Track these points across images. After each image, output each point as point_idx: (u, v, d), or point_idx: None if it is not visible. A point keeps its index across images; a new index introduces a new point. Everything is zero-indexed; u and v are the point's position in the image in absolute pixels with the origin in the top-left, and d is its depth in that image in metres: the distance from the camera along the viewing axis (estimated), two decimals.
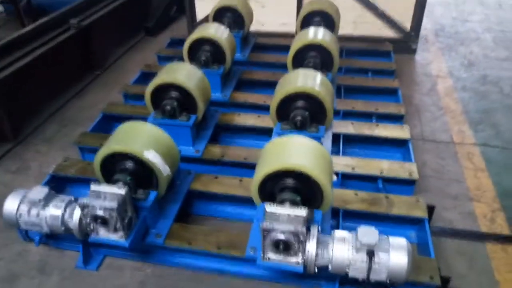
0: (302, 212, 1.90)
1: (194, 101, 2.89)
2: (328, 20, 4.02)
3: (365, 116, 3.42)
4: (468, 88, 4.17)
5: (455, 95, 4.06)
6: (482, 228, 2.66)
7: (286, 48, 4.52)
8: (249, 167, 2.91)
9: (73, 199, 2.19)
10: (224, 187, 2.66)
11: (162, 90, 2.90)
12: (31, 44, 3.75)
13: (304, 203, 2.07)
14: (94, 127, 3.36)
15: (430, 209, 2.52)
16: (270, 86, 3.91)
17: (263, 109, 3.55)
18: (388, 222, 2.56)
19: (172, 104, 2.83)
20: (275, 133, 2.80)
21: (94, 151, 3.10)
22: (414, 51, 4.82)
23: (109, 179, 2.29)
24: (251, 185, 2.16)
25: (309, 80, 2.73)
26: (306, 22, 4.07)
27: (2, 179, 3.21)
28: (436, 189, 2.96)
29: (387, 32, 4.80)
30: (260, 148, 3.12)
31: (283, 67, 4.15)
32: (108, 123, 3.54)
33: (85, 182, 2.87)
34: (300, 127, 2.70)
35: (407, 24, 4.71)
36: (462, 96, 4.03)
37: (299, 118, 2.67)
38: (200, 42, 3.53)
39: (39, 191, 2.14)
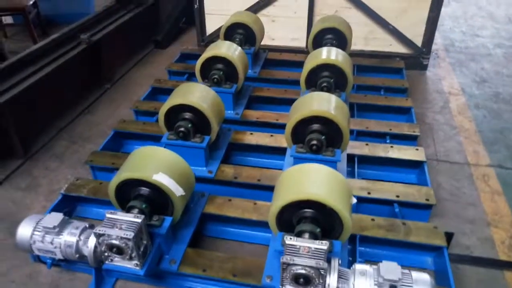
0: (323, 246, 1.86)
1: (208, 122, 2.86)
2: (340, 38, 4.01)
3: (379, 136, 3.39)
4: (481, 106, 4.13)
5: (468, 113, 4.02)
6: (500, 255, 2.62)
7: (297, 64, 4.58)
8: (263, 189, 2.90)
9: (87, 225, 2.16)
10: (238, 211, 2.63)
11: (175, 111, 2.87)
12: (42, 60, 3.74)
13: (323, 233, 2.04)
14: (105, 146, 3.34)
15: (448, 236, 2.47)
16: (282, 103, 3.93)
17: (276, 127, 3.53)
18: (404, 248, 2.52)
19: (186, 125, 2.80)
20: (290, 156, 2.76)
21: (106, 170, 3.12)
22: (425, 67, 4.79)
23: (124, 205, 2.26)
24: (269, 215, 2.12)
25: (325, 103, 2.70)
26: (318, 39, 4.06)
27: (12, 196, 3.19)
28: (452, 213, 2.91)
29: (398, 48, 4.77)
30: (274, 169, 3.17)
31: (294, 84, 4.16)
32: (119, 140, 3.52)
33: (97, 202, 2.87)
34: (316, 151, 2.66)
35: (418, 40, 4.68)
36: (476, 114, 3.99)
37: (314, 142, 2.63)
38: (212, 61, 3.52)
39: (54, 218, 2.11)
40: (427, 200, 2.69)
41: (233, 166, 3.04)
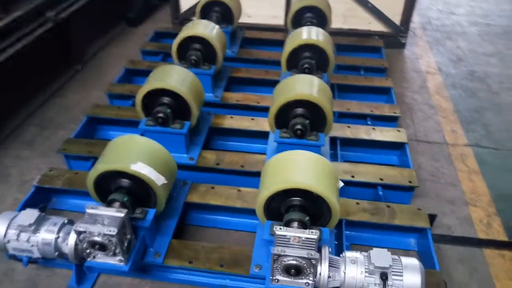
0: (314, 235, 1.84)
1: (188, 107, 2.76)
2: (320, 16, 3.92)
3: (360, 118, 3.38)
4: (457, 85, 4.18)
5: (445, 92, 4.06)
6: (479, 234, 2.69)
7: (276, 43, 4.47)
8: (246, 175, 2.85)
9: (66, 221, 2.05)
10: (222, 199, 2.57)
11: (153, 96, 2.75)
12: (5, 41, 3.48)
13: (311, 220, 2.02)
14: (79, 132, 3.18)
15: (431, 217, 2.51)
16: (263, 84, 3.85)
17: (257, 110, 3.46)
18: (389, 230, 2.55)
19: (165, 111, 2.69)
20: (274, 142, 2.70)
21: (81, 158, 2.98)
22: (403, 46, 4.78)
23: (104, 197, 2.16)
24: (256, 204, 2.08)
25: (309, 87, 2.64)
26: (297, 18, 3.96)
27: None
28: (433, 193, 2.96)
29: (377, 26, 4.74)
30: (257, 153, 3.11)
31: (275, 64, 4.06)
32: (93, 126, 3.37)
33: (73, 193, 2.74)
34: (300, 136, 2.62)
35: (397, 18, 4.65)
36: (452, 94, 4.04)
37: (299, 126, 2.58)
38: (189, 41, 3.37)
39: (29, 215, 2.00)
40: (410, 182, 2.71)
41: (214, 151, 2.96)
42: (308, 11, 3.94)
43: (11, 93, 3.60)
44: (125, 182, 2.15)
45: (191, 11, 4.92)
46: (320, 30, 3.38)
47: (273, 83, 3.76)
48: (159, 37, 4.67)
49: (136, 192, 2.15)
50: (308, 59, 3.24)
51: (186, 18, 4.99)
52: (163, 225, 2.38)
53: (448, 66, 4.50)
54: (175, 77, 2.76)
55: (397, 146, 3.12)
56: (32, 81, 3.88)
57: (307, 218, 1.98)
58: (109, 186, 2.18)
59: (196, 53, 3.33)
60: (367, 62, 4.07)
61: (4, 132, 3.49)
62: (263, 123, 3.19)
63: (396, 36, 4.73)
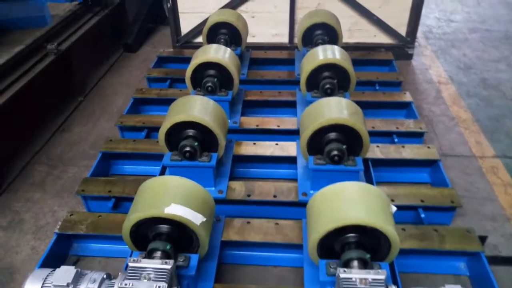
0: (381, 274, 1.70)
1: (215, 138, 2.62)
2: (331, 33, 3.85)
3: (385, 135, 3.28)
4: (472, 94, 4.13)
5: (461, 102, 4.00)
6: None
7: (283, 62, 4.38)
8: (279, 205, 2.71)
9: (105, 276, 1.88)
10: (261, 235, 2.41)
11: (177, 129, 2.60)
12: (8, 77, 3.31)
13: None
14: (95, 170, 3.00)
15: (482, 239, 2.40)
16: (278, 106, 3.73)
17: (278, 133, 3.33)
18: (437, 255, 2.43)
19: (192, 144, 2.54)
20: (309, 168, 2.57)
21: (100, 199, 2.80)
22: (410, 57, 4.74)
23: (142, 245, 2.00)
24: (309, 245, 1.94)
25: (341, 110, 2.53)
26: (307, 36, 3.88)
27: None
28: (471, 210, 2.85)
29: (383, 39, 4.69)
30: (286, 180, 2.99)
31: (286, 84, 3.99)
32: (108, 162, 3.19)
33: (97, 237, 2.56)
34: (337, 162, 2.49)
35: (402, 29, 4.61)
36: (469, 103, 3.98)
37: (336, 152, 2.46)
38: (203, 67, 3.24)
39: (65, 272, 1.81)
40: (452, 202, 2.60)
41: (242, 181, 2.81)
42: (318, 28, 3.86)
43: (15, 131, 3.41)
44: (163, 228, 1.99)
45: (192, 33, 4.81)
46: (337, 47, 3.29)
47: (287, 104, 3.71)
48: (162, 62, 4.53)
49: (176, 237, 1.99)
50: (329, 79, 3.14)
51: (187, 41, 4.87)
52: (202, 269, 2.22)
53: (458, 75, 4.46)
54: (198, 108, 2.62)
55: (428, 163, 3.02)
56: (35, 117, 3.69)
57: (368, 255, 1.85)
58: (146, 234, 2.02)
59: (212, 79, 3.20)
60: (382, 77, 4.00)
61: (11, 174, 3.28)
62: (289, 148, 3.06)
63: (402, 47, 4.69)
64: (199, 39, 4.86)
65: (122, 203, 2.83)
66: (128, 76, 4.66)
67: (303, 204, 2.64)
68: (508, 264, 2.48)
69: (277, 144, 3.12)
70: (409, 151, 3.02)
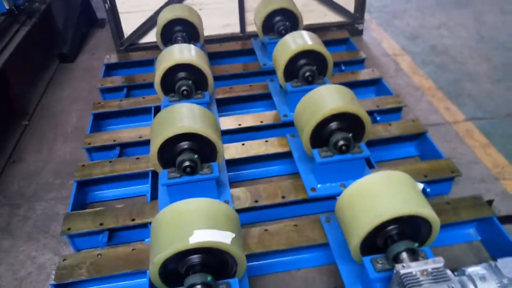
0: (439, 262, 1.68)
1: (214, 147, 2.42)
2: (291, 18, 3.75)
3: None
4: (427, 62, 4.29)
5: (420, 71, 4.14)
6: None
7: (242, 53, 4.22)
8: (288, 205, 2.60)
9: None
10: (283, 241, 2.29)
11: (170, 144, 2.36)
12: None
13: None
14: (74, 203, 2.65)
15: (489, 203, 2.49)
16: (251, 100, 3.58)
17: (262, 129, 3.20)
18: (447, 226, 2.48)
19: (191, 158, 2.32)
20: (317, 162, 2.47)
21: (89, 234, 2.49)
22: (361, 32, 4.80)
23: (175, 282, 1.79)
24: (352, 246, 1.87)
25: (341, 97, 2.46)
26: (267, 23, 3.74)
27: None
28: (462, 176, 2.96)
29: (333, 17, 4.70)
30: (283, 177, 2.89)
31: (253, 76, 3.84)
32: (83, 191, 2.84)
33: (98, 280, 2.27)
34: (345, 151, 2.43)
35: (350, 6, 4.65)
36: (427, 71, 4.13)
37: (343, 142, 2.39)
38: (173, 70, 2.99)
39: None
40: (453, 172, 2.68)
41: (244, 188, 2.65)
42: (277, 14, 3.74)
43: None
44: (194, 259, 1.79)
45: (137, 34, 4.45)
46: (306, 32, 3.21)
47: (261, 97, 3.57)
48: (111, 69, 4.13)
49: (210, 264, 1.81)
50: (308, 66, 3.05)
51: (132, 43, 4.49)
52: None
53: (409, 45, 4.61)
54: (189, 117, 2.39)
55: (415, 137, 3.09)
56: None
57: (416, 244, 1.82)
58: (176, 269, 1.80)
59: (186, 82, 2.97)
60: (345, 56, 4.00)
61: None
62: (281, 143, 2.95)
63: (352, 24, 4.74)
64: (146, 39, 4.51)
65: (114, 234, 2.54)
66: (72, 90, 4.19)
67: (312, 200, 2.58)
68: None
69: (267, 141, 2.98)
70: (396, 128, 3.05)
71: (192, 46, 3.16)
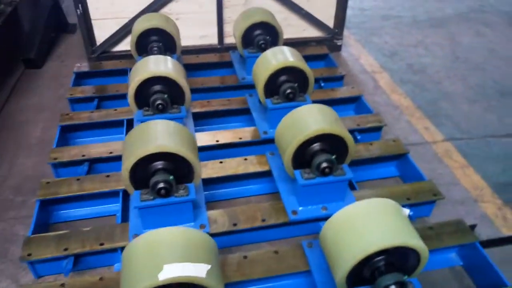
0: None
1: (191, 167, 2.27)
2: (271, 31, 3.68)
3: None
4: (405, 81, 4.30)
5: (399, 89, 4.14)
6: (501, 230, 2.73)
7: (219, 66, 4.10)
8: (268, 228, 2.49)
9: None
10: (263, 269, 2.16)
11: (144, 163, 2.20)
12: None
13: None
14: (36, 224, 2.43)
15: (471, 228, 2.46)
16: (229, 114, 3.47)
17: (240, 146, 3.08)
18: (433, 252, 2.43)
19: (166, 179, 2.16)
20: (299, 184, 2.36)
21: (55, 260, 2.28)
22: (339, 48, 4.78)
23: None
24: (337, 281, 1.76)
25: (324, 118, 2.37)
26: (247, 37, 3.65)
27: None
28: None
29: (312, 32, 4.66)
30: (261, 196, 2.78)
31: (231, 90, 3.75)
32: (46, 210, 2.63)
33: None
34: (329, 173, 2.34)
35: (330, 21, 4.62)
36: (406, 90, 4.14)
37: (326, 164, 2.30)
38: (148, 83, 2.83)
39: None
40: (435, 195, 2.64)
41: (221, 210, 2.51)
42: (257, 28, 3.65)
43: None
44: None
45: (110, 42, 4.25)
46: (287, 48, 3.13)
47: (239, 112, 3.46)
48: (82, 78, 3.92)
49: None
50: (289, 83, 2.96)
51: (104, 51, 4.29)
52: None
53: (387, 63, 4.62)
54: (163, 135, 2.24)
55: (396, 157, 3.05)
56: None
57: (406, 276, 1.74)
58: None
59: (162, 96, 2.81)
60: (325, 73, 3.95)
61: None
62: (259, 161, 2.84)
63: (331, 39, 4.71)
64: (119, 48, 4.33)
65: (80, 258, 2.35)
66: (38, 99, 3.95)
67: (293, 223, 2.48)
68: (493, 245, 2.59)
69: (246, 159, 2.86)
70: (378, 148, 3.00)
71: (168, 58, 3.02)
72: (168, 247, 1.68)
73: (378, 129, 3.31)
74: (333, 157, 2.33)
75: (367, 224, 1.80)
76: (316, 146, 2.37)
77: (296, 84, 2.97)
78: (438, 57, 4.75)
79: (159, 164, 2.22)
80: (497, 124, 3.69)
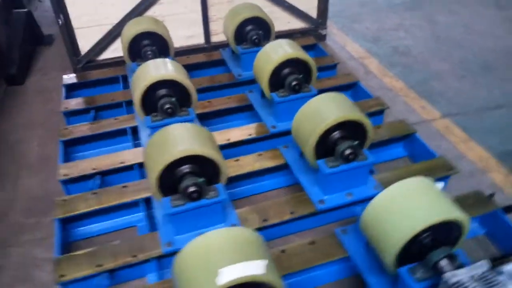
0: (484, 266, 1.65)
1: (217, 168, 2.25)
2: (262, 25, 3.67)
3: None
4: (394, 63, 4.40)
5: (389, 73, 4.23)
6: None
7: (211, 65, 4.06)
8: (296, 220, 2.50)
9: None
10: (302, 261, 2.17)
11: (170, 170, 2.15)
12: None
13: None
14: (61, 245, 2.34)
15: (490, 197, 2.55)
16: (232, 112, 3.45)
17: (250, 142, 3.07)
18: None
19: (196, 182, 2.13)
20: (325, 174, 2.38)
21: (84, 279, 2.21)
22: (324, 38, 4.83)
23: None
24: (387, 263, 1.80)
25: (342, 105, 2.40)
26: (238, 33, 3.63)
27: None
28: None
29: (296, 24, 4.68)
30: (280, 190, 2.78)
31: (229, 88, 3.72)
32: (66, 228, 2.53)
33: None
34: (352, 160, 2.37)
35: (313, 12, 4.65)
36: (396, 73, 4.23)
37: (350, 151, 2.33)
38: (153, 88, 2.77)
39: None
40: (449, 170, 2.72)
41: (249, 207, 2.50)
42: (248, 23, 3.64)
43: None
44: None
45: (95, 51, 4.12)
46: (284, 40, 3.14)
47: (242, 109, 3.44)
48: (71, 90, 3.78)
49: None
50: (294, 75, 2.97)
51: (90, 60, 4.15)
52: None
53: (372, 48, 4.71)
54: (188, 138, 2.21)
55: (402, 138, 3.12)
56: None
57: (455, 250, 1.79)
58: None
59: (170, 99, 2.76)
60: (317, 63, 3.95)
61: None
62: (274, 156, 2.83)
63: (316, 30, 4.75)
64: (104, 56, 4.20)
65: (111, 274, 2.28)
66: (27, 116, 3.78)
67: (320, 212, 2.50)
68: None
69: (260, 155, 2.86)
70: (386, 130, 3.06)
71: (168, 60, 2.97)
72: (220, 250, 1.65)
73: (380, 112, 3.37)
74: (356, 143, 2.36)
75: (410, 203, 1.85)
76: (336, 134, 2.39)
77: (301, 76, 2.98)
78: (419, 38, 4.88)
79: (186, 168, 2.18)
80: (487, 96, 3.85)
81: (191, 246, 1.69)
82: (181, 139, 2.19)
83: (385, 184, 2.48)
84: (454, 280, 1.61)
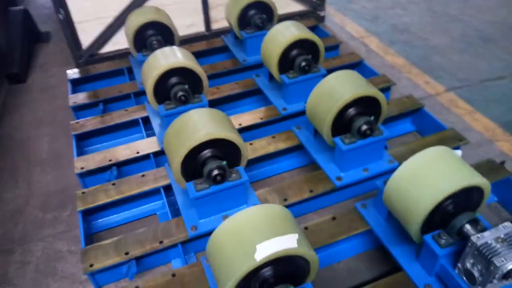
0: (509, 227, 1.71)
1: (238, 150, 2.29)
2: (266, 10, 3.68)
3: None
4: (394, 41, 4.43)
5: (391, 50, 4.27)
6: None
7: (214, 52, 4.07)
8: (315, 198, 2.55)
9: None
10: (327, 236, 2.23)
11: (192, 154, 2.18)
12: None
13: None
14: (87, 238, 2.37)
15: (502, 164, 2.62)
16: (240, 98, 3.48)
17: (262, 126, 3.10)
18: None
19: (220, 165, 2.16)
20: (342, 151, 2.43)
21: (112, 267, 2.24)
22: (323, 19, 4.84)
23: None
24: (412, 232, 1.86)
25: (356, 82, 2.44)
26: (242, 19, 3.63)
27: None
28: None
29: (295, 7, 4.68)
30: (294, 170, 2.83)
31: (234, 73, 3.74)
32: (87, 220, 2.56)
33: None
34: (369, 135, 2.42)
35: None
36: (397, 50, 4.27)
37: (366, 126, 2.37)
38: (164, 77, 2.78)
39: None
40: (460, 140, 2.78)
41: (268, 188, 2.54)
42: (251, 8, 3.64)
43: None
44: (265, 274, 1.66)
45: (96, 44, 4.10)
46: (291, 22, 3.15)
47: (249, 93, 3.47)
48: (77, 84, 3.77)
49: (283, 274, 1.69)
50: (303, 56, 3.00)
51: (92, 54, 4.13)
52: None
53: (371, 27, 4.73)
54: (209, 122, 2.23)
55: (409, 113, 3.17)
56: None
57: (478, 214, 1.85)
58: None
59: (182, 87, 2.77)
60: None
61: None
62: (288, 137, 2.87)
63: (314, 11, 4.75)
64: (106, 49, 4.17)
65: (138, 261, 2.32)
66: (33, 113, 3.78)
67: (337, 189, 2.55)
68: None
69: (273, 137, 2.89)
70: (395, 106, 3.10)
71: (176, 48, 2.97)
72: (254, 227, 1.70)
73: (387, 89, 3.41)
74: (372, 118, 2.40)
75: (432, 172, 1.89)
76: (352, 110, 2.43)
77: (310, 56, 3.00)
78: (417, 15, 4.91)
79: (208, 152, 2.21)
80: (488, 68, 3.90)
81: (224, 225, 1.73)
82: (201, 123, 2.22)
83: (399, 158, 2.57)
84: (481, 242, 1.67)
